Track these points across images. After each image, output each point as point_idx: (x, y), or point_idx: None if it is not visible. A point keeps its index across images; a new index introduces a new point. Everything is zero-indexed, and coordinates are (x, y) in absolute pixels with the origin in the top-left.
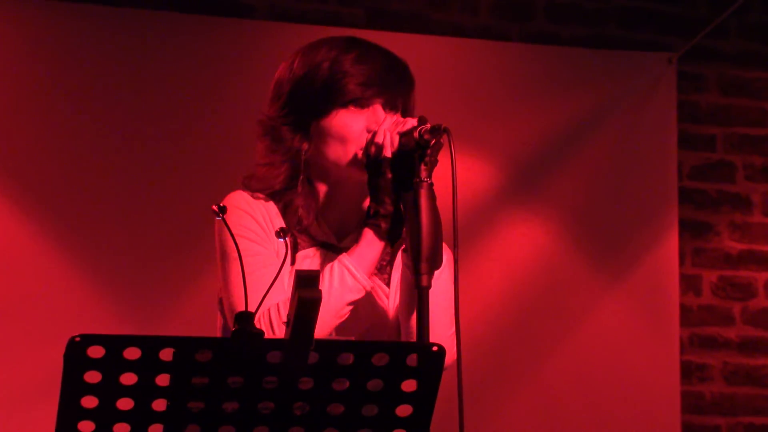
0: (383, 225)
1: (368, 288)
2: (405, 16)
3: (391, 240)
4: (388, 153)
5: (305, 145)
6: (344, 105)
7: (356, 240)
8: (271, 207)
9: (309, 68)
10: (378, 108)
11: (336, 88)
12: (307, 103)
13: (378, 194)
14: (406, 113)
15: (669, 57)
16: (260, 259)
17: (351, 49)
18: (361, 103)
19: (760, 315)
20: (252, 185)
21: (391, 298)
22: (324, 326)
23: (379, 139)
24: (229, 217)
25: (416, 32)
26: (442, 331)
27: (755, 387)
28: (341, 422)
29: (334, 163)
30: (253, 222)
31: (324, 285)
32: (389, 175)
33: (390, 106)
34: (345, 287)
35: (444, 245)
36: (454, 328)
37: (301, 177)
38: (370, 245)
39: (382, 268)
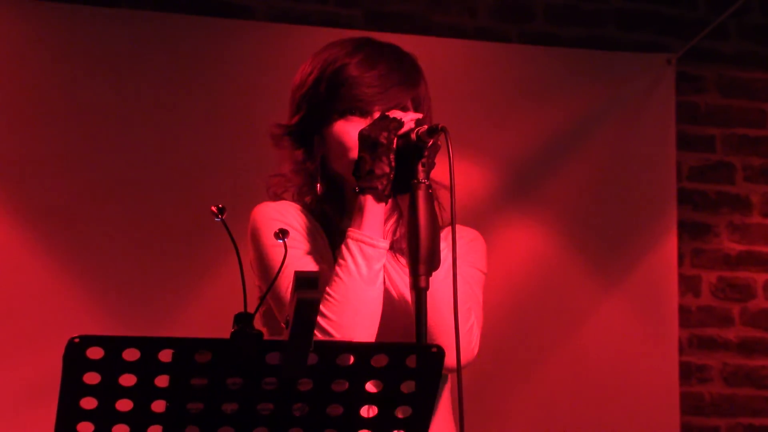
0: (380, 187)
1: (387, 248)
2: (404, 17)
3: (388, 196)
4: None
5: (309, 160)
6: (342, 114)
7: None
8: (299, 210)
9: (315, 74)
10: (377, 116)
11: (335, 96)
12: (313, 111)
13: (376, 152)
14: (419, 107)
15: (668, 58)
16: (305, 265)
17: (355, 53)
18: (361, 111)
19: (759, 316)
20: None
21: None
22: (369, 298)
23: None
24: (262, 231)
25: (415, 33)
26: (459, 325)
27: (754, 388)
28: (340, 423)
29: (340, 172)
30: (289, 229)
31: (348, 262)
32: (395, 143)
33: (395, 109)
34: (369, 258)
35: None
36: (470, 322)
37: (318, 185)
38: (373, 211)
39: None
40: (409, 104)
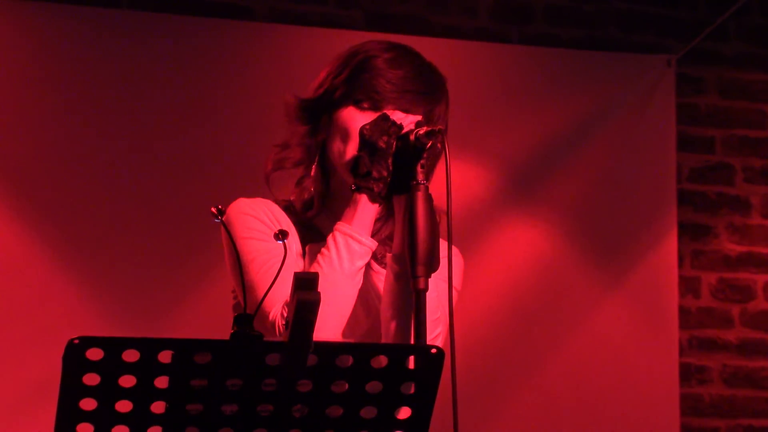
0: (376, 189)
1: (374, 248)
2: (404, 18)
3: (382, 199)
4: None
5: (312, 136)
6: (356, 102)
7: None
8: (273, 205)
9: (344, 59)
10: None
11: (355, 80)
12: (332, 90)
13: (375, 155)
14: (430, 123)
15: (668, 59)
16: (273, 255)
17: (388, 51)
18: (374, 104)
19: (759, 317)
20: (268, 164)
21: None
22: (344, 293)
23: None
24: (234, 225)
25: (415, 34)
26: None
27: (754, 389)
28: (340, 425)
29: (334, 158)
30: (257, 221)
31: (332, 254)
32: (394, 147)
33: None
34: (353, 253)
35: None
36: (436, 332)
37: (314, 166)
38: (365, 210)
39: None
40: (421, 115)
